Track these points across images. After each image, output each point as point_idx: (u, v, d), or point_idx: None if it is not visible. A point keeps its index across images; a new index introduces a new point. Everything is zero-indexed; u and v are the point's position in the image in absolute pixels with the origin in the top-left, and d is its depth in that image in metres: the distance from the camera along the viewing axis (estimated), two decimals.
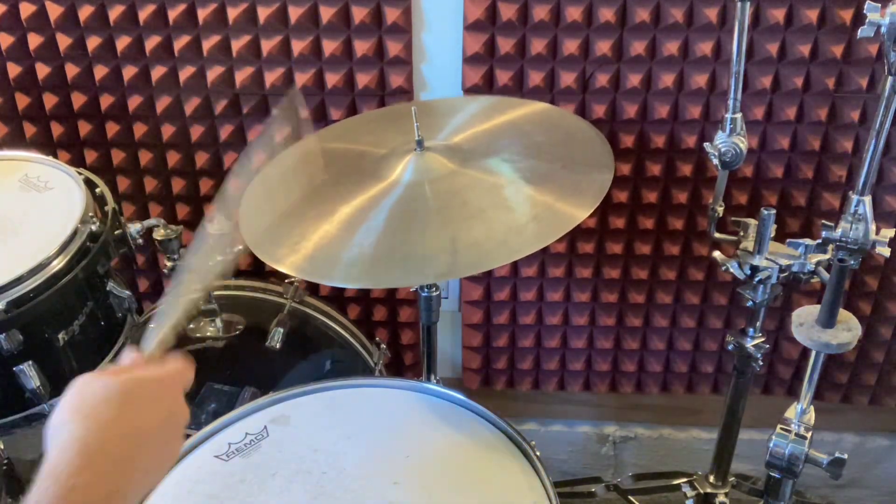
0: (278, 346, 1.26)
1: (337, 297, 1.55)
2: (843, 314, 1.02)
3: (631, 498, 1.51)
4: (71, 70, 1.39)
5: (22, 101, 1.42)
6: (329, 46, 1.32)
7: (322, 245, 0.97)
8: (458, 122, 1.17)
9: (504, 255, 0.92)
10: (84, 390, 0.65)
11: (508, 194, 1.00)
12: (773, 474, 1.12)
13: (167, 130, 1.43)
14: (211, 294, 1.29)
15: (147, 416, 0.66)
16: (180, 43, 1.34)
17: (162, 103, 1.40)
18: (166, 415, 0.68)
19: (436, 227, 0.97)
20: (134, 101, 1.41)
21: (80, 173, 1.21)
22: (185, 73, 1.37)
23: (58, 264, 1.06)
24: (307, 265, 0.95)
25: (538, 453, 0.95)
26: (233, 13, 1.31)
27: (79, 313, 1.11)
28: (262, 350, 1.26)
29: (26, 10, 1.33)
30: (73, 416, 0.62)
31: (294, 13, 1.30)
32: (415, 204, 1.00)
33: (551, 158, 1.06)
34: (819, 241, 1.03)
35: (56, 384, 1.09)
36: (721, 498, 1.34)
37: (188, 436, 0.99)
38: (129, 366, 0.71)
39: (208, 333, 1.29)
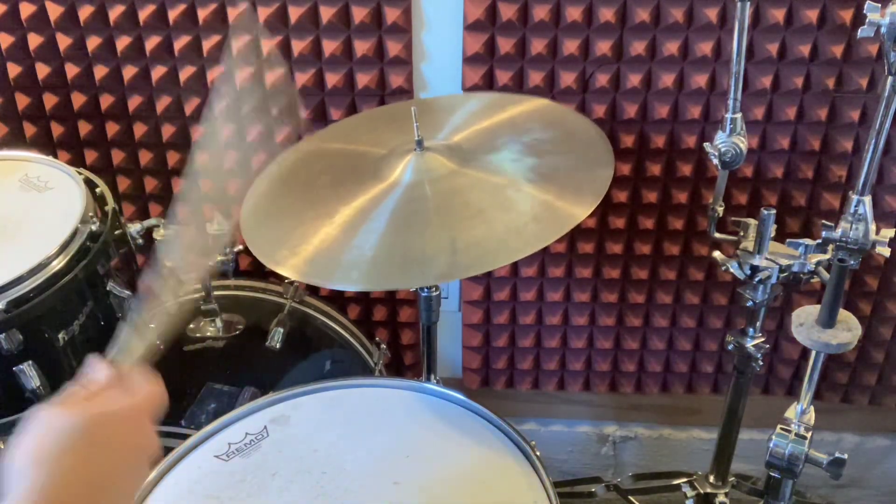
0: (278, 346, 1.26)
1: (337, 297, 1.55)
2: (843, 314, 1.02)
3: (631, 498, 1.51)
4: (71, 70, 1.39)
5: (22, 101, 1.42)
6: (329, 46, 1.32)
7: (322, 247, 0.97)
8: (457, 121, 1.17)
9: (504, 255, 0.92)
10: (45, 432, 0.60)
11: (509, 193, 1.00)
12: (773, 474, 1.12)
13: (167, 130, 1.43)
14: (211, 294, 1.29)
15: (113, 457, 0.61)
16: (180, 43, 1.34)
17: (162, 103, 1.40)
18: (133, 451, 0.63)
19: (436, 228, 0.96)
20: (134, 101, 1.40)
21: (80, 173, 1.21)
22: (185, 73, 1.37)
23: (58, 264, 1.06)
24: (308, 268, 0.95)
25: (538, 453, 0.94)
26: (233, 13, 1.31)
27: (79, 313, 1.11)
28: (262, 350, 1.26)
29: (26, 10, 1.33)
30: (32, 462, 0.58)
31: (294, 13, 1.30)
32: (415, 205, 1.00)
33: (551, 156, 1.06)
34: (819, 241, 1.03)
35: (56, 384, 1.09)
36: (721, 498, 1.34)
37: (187, 436, 0.99)
38: (96, 388, 0.65)
39: (208, 333, 1.29)
